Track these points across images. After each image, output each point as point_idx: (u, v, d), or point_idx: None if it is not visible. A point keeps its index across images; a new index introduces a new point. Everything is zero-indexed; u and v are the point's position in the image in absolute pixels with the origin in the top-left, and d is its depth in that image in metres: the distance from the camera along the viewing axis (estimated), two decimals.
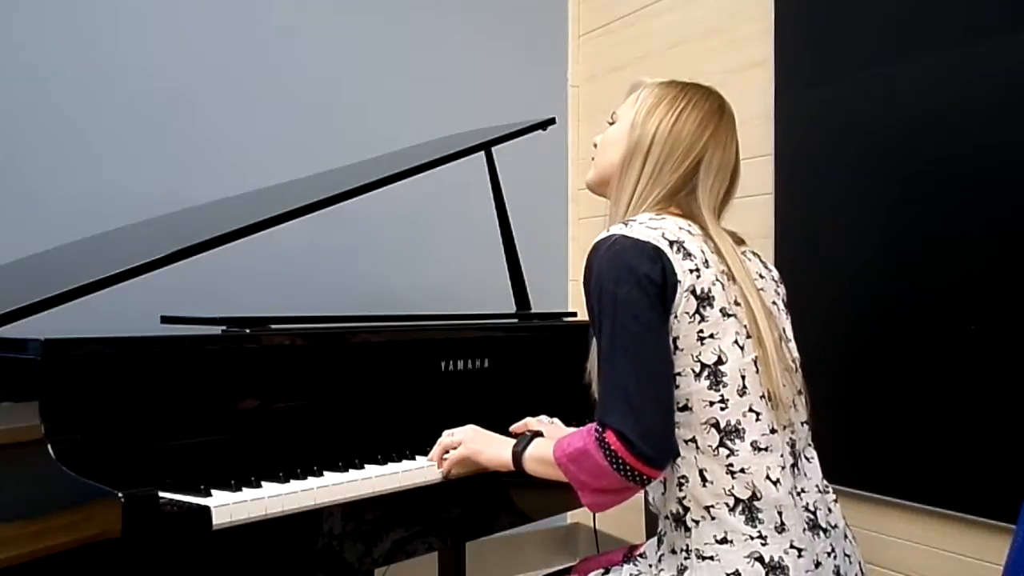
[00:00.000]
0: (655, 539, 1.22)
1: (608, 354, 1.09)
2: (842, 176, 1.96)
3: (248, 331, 1.33)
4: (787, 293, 1.30)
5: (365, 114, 2.48)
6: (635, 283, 1.07)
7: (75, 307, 1.14)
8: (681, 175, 1.20)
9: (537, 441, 1.23)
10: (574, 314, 2.13)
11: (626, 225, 1.14)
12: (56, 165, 2.05)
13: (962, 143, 1.73)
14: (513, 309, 2.02)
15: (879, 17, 1.90)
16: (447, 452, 1.29)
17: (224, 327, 1.35)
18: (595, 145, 1.34)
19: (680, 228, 1.14)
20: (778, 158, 2.12)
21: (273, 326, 1.38)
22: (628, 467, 1.06)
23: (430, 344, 1.55)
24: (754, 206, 2.17)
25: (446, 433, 1.31)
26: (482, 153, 1.92)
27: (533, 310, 2.03)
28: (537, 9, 2.89)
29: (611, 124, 1.31)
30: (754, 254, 1.27)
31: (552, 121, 2.03)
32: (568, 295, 2.94)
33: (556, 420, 1.48)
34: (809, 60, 2.05)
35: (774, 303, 1.23)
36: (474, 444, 1.28)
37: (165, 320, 1.56)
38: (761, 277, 1.23)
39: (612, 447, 1.06)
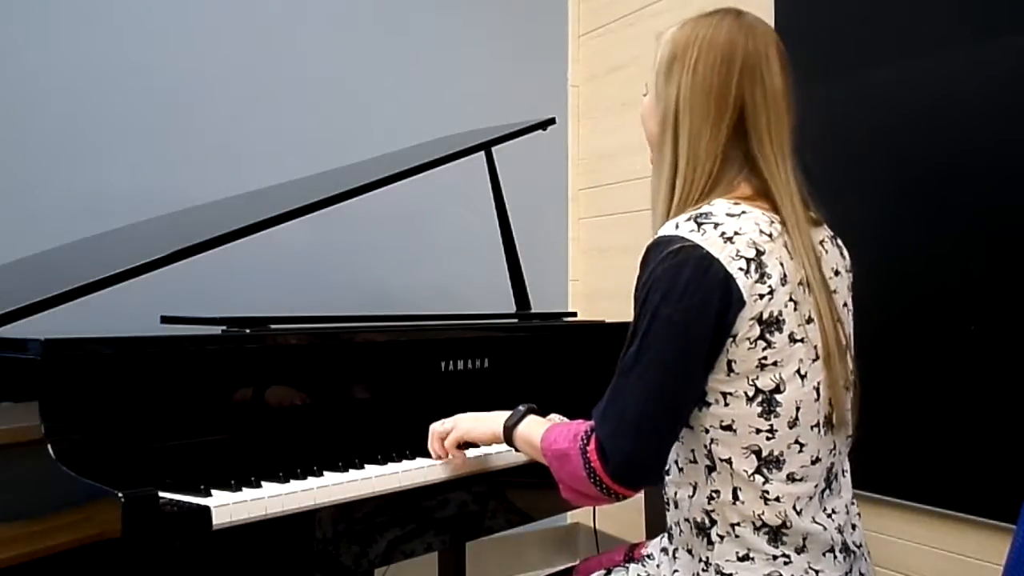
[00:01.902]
0: (661, 538, 1.21)
1: (628, 364, 1.03)
2: (842, 176, 1.96)
3: (248, 331, 1.33)
4: None
5: (365, 114, 2.48)
6: (683, 307, 0.98)
7: (75, 307, 1.14)
8: (726, 135, 1.07)
9: (530, 419, 1.20)
10: (574, 314, 2.13)
11: (699, 226, 1.01)
12: (56, 165, 2.05)
13: (962, 143, 1.73)
14: (513, 309, 2.02)
15: (879, 17, 1.90)
16: (444, 441, 1.28)
17: (224, 327, 1.35)
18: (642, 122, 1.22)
19: (761, 231, 1.02)
20: None
21: (273, 326, 1.38)
22: (603, 484, 1.04)
23: (430, 344, 1.55)
24: None
25: (435, 423, 1.30)
26: (482, 153, 1.92)
27: (533, 310, 2.03)
28: (537, 9, 2.89)
29: (645, 95, 1.19)
30: (832, 239, 1.16)
31: (552, 121, 2.03)
32: (568, 295, 2.94)
33: (561, 417, 1.47)
34: (809, 60, 2.05)
35: (845, 304, 1.14)
36: (465, 424, 1.27)
37: (165, 320, 1.56)
38: (836, 273, 1.13)
39: (592, 463, 1.04)
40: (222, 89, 2.26)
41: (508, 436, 1.22)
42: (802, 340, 1.03)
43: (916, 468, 1.81)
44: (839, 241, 1.19)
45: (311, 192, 1.54)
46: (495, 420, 1.24)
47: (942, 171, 1.77)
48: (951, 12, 1.76)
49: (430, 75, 2.62)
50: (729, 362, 1.02)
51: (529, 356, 1.77)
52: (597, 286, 2.87)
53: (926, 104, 1.80)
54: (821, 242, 1.14)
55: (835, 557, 1.07)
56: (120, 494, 0.92)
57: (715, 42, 1.08)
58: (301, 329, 1.40)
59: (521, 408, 1.23)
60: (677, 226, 1.03)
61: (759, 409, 1.02)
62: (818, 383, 1.04)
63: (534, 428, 1.18)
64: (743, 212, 1.05)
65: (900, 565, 1.87)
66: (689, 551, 1.11)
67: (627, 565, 1.24)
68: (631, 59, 2.73)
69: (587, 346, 1.91)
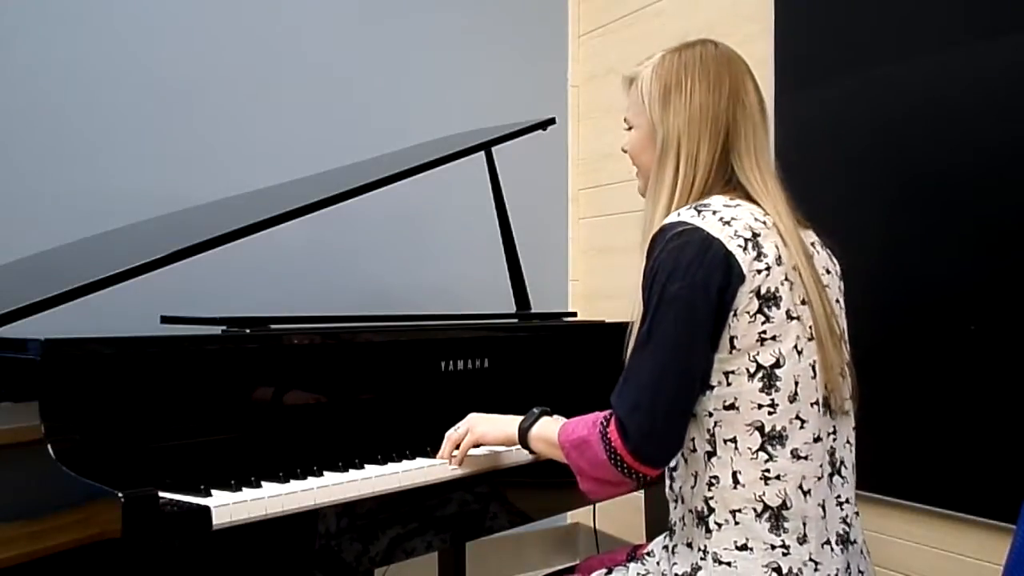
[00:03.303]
0: (663, 536, 1.22)
1: (641, 344, 1.08)
2: (842, 176, 1.96)
3: (248, 331, 1.33)
4: None
5: (365, 114, 2.48)
6: (688, 283, 1.05)
7: (75, 307, 1.14)
8: (719, 152, 1.16)
9: (543, 420, 1.23)
10: (574, 314, 2.14)
11: (698, 213, 1.09)
12: (56, 165, 2.05)
13: (962, 143, 1.73)
14: (513, 309, 2.02)
15: (879, 17, 1.90)
16: (457, 447, 1.29)
17: (224, 327, 1.35)
18: (625, 150, 1.30)
19: (756, 219, 1.10)
20: (778, 158, 2.10)
21: (273, 326, 1.38)
22: (624, 464, 1.07)
23: (430, 344, 1.55)
24: None
25: (451, 430, 1.31)
26: (482, 153, 1.92)
27: (533, 310, 2.03)
28: (537, 9, 2.89)
29: (628, 130, 1.28)
30: (822, 246, 1.23)
31: (552, 121, 2.03)
32: (568, 295, 2.94)
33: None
34: (809, 60, 2.05)
35: (837, 300, 1.20)
36: (480, 428, 1.28)
37: (165, 320, 1.56)
38: (827, 272, 1.19)
39: (612, 443, 1.07)
40: (222, 89, 2.26)
41: (523, 438, 1.24)
42: (798, 318, 1.08)
43: (916, 468, 1.81)
44: (828, 249, 1.25)
45: (311, 192, 1.54)
46: (509, 423, 1.26)
47: (942, 170, 1.77)
48: (951, 11, 1.76)
49: (430, 75, 2.62)
50: (731, 338, 1.06)
51: (529, 356, 1.77)
52: (597, 286, 2.87)
53: (926, 104, 1.80)
54: (812, 244, 1.20)
55: (833, 549, 1.08)
56: (120, 494, 0.92)
57: (705, 71, 1.18)
58: (301, 329, 1.40)
59: (535, 411, 1.25)
60: (679, 215, 1.10)
61: (760, 384, 1.06)
62: (813, 361, 1.09)
63: (550, 426, 1.20)
64: (739, 205, 1.12)
65: (900, 565, 1.87)
66: (688, 544, 1.12)
67: (628, 564, 1.25)
68: (631, 59, 2.72)
69: (587, 346, 1.91)
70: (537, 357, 1.79)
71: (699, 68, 1.18)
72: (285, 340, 1.34)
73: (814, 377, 1.09)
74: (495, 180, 1.99)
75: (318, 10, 2.43)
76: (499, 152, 1.97)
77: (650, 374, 1.07)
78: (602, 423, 1.10)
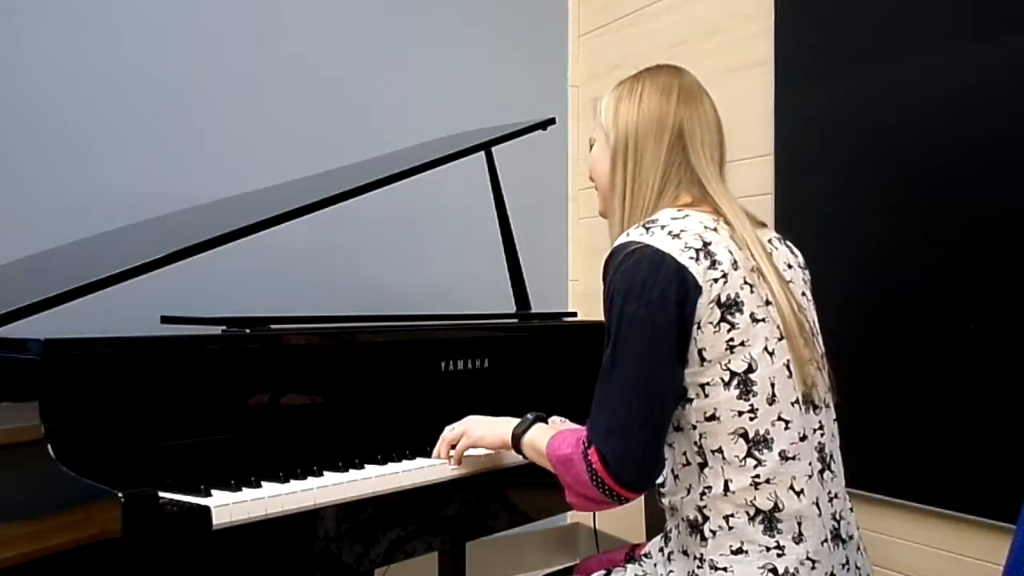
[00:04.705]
0: (659, 538, 1.22)
1: (607, 368, 1.08)
2: (842, 176, 1.96)
3: (248, 331, 1.33)
4: None
5: (365, 114, 2.48)
6: (645, 301, 1.05)
7: (75, 307, 1.14)
8: (667, 149, 1.17)
9: (537, 427, 1.23)
10: (574, 314, 2.13)
11: (647, 231, 1.10)
12: (56, 165, 2.04)
13: (962, 143, 1.73)
14: (513, 309, 2.02)
15: (879, 16, 1.90)
16: (453, 446, 1.30)
17: (224, 327, 1.35)
18: (592, 179, 1.33)
19: (705, 227, 1.10)
20: (778, 158, 2.12)
21: (273, 326, 1.38)
22: (606, 486, 1.07)
23: (430, 344, 1.55)
24: (754, 206, 2.15)
25: (447, 428, 1.32)
26: (482, 153, 1.92)
27: (533, 310, 2.03)
28: (537, 9, 2.89)
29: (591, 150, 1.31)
30: (780, 240, 1.24)
31: (552, 121, 2.03)
32: (568, 295, 2.94)
33: (563, 419, 1.48)
34: (809, 60, 2.05)
35: (803, 294, 1.19)
36: (476, 431, 1.29)
37: (165, 320, 1.56)
38: (789, 267, 1.19)
39: (593, 465, 1.07)
40: (222, 89, 2.26)
41: (516, 444, 1.24)
42: (763, 320, 1.08)
43: (916, 468, 1.81)
44: (788, 242, 1.25)
45: (311, 192, 1.54)
46: (504, 427, 1.26)
47: (942, 170, 1.77)
48: (951, 11, 1.76)
49: (430, 75, 2.62)
50: (700, 351, 1.07)
51: (529, 356, 1.77)
52: (597, 286, 2.86)
53: (926, 104, 1.80)
54: (769, 241, 1.20)
55: (829, 546, 1.08)
56: (120, 494, 0.92)
57: (656, 80, 1.22)
58: (301, 329, 1.40)
59: (529, 416, 1.25)
60: (628, 235, 1.12)
61: (737, 392, 1.06)
62: (787, 361, 1.09)
63: (540, 435, 1.20)
64: (686, 216, 1.12)
65: (900, 565, 1.87)
66: (684, 552, 1.12)
67: (626, 565, 1.25)
68: (631, 59, 2.73)
69: (587, 346, 1.91)
70: (537, 357, 1.79)
71: (650, 78, 1.22)
72: (285, 340, 1.35)
73: (790, 376, 1.09)
74: (495, 180, 1.99)
75: (318, 10, 2.42)
76: (499, 152, 1.96)
77: (620, 398, 1.06)
78: (584, 443, 1.09)
